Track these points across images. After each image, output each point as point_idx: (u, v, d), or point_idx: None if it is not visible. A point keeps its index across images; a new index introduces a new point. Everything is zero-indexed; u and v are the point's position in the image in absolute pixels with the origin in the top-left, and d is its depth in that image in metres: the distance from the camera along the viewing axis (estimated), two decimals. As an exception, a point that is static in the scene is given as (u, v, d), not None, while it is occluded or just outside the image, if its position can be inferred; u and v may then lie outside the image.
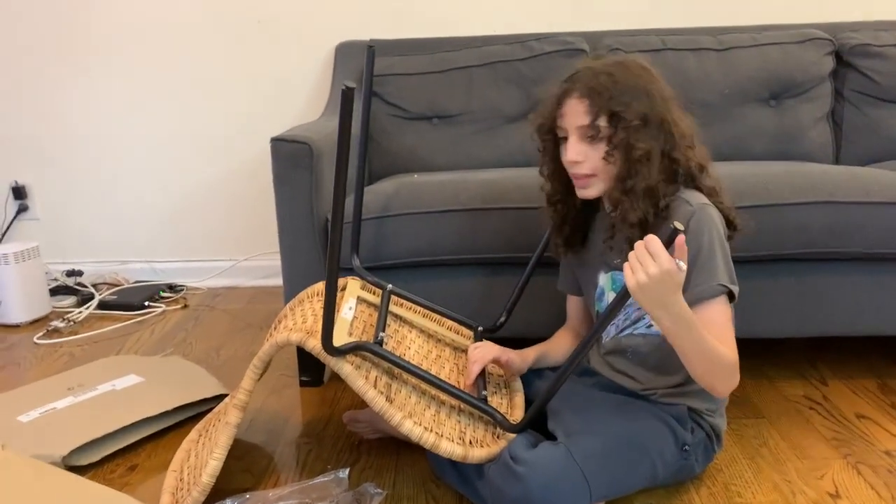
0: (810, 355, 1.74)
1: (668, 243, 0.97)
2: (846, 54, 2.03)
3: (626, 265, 0.99)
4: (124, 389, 1.58)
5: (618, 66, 1.15)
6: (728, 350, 1.08)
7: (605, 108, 1.12)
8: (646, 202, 1.12)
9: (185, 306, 2.34)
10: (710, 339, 1.05)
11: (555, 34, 2.12)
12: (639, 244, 0.99)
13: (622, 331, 1.25)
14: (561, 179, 1.23)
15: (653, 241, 0.97)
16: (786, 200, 1.46)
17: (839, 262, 1.51)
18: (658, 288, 0.98)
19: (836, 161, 2.03)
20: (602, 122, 1.12)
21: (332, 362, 1.12)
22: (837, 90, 2.05)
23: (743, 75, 2.02)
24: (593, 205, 1.25)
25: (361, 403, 1.55)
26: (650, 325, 1.20)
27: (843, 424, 1.44)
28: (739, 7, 2.27)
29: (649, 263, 0.97)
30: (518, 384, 1.34)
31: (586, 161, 1.15)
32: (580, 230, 1.29)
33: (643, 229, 1.10)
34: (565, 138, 1.17)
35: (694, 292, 1.10)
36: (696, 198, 1.15)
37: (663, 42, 2.04)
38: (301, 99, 2.41)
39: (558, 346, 1.38)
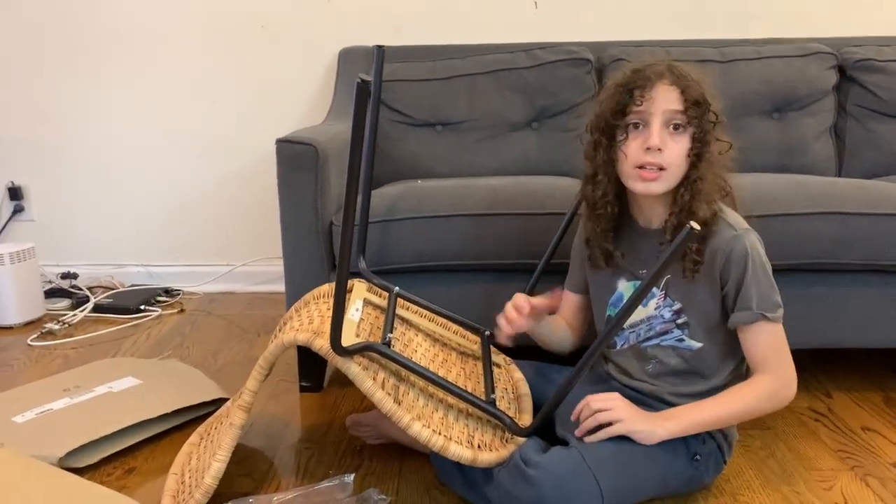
0: (814, 367, 1.73)
1: (684, 243, 0.96)
2: (849, 69, 2.04)
3: (593, 421, 1.11)
4: (122, 391, 1.55)
5: (694, 67, 1.14)
6: (762, 384, 1.13)
7: (696, 99, 1.09)
8: (709, 205, 1.11)
9: (182, 311, 2.31)
10: (725, 401, 1.13)
11: (559, 43, 2.12)
12: (586, 422, 1.12)
13: (645, 340, 1.22)
14: (613, 179, 1.17)
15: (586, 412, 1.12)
16: (794, 210, 1.46)
17: (846, 273, 1.51)
18: (633, 412, 1.11)
19: (839, 175, 2.03)
20: (692, 112, 1.10)
21: (340, 363, 1.10)
22: (840, 104, 2.05)
23: (746, 88, 2.02)
24: (622, 213, 1.23)
25: (362, 408, 1.54)
26: (681, 339, 1.19)
27: (849, 437, 1.43)
28: (742, 20, 2.28)
29: (608, 414, 1.10)
30: (525, 388, 1.33)
31: (666, 151, 1.10)
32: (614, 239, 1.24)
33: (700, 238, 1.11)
34: (636, 125, 1.12)
35: (733, 320, 1.13)
36: (738, 220, 1.14)
37: (667, 53, 2.03)
38: (303, 104, 2.40)
39: (558, 326, 1.35)
